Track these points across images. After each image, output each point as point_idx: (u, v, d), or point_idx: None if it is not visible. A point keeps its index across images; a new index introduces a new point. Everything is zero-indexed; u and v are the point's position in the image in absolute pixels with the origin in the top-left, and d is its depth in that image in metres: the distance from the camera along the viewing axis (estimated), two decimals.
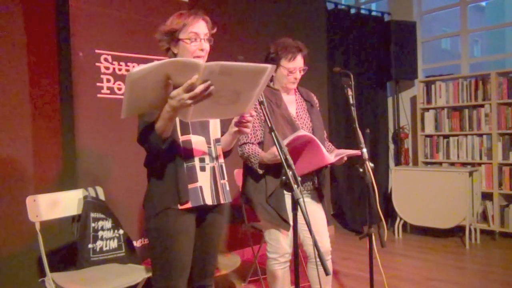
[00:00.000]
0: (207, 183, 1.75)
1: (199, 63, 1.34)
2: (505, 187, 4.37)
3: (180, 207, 1.69)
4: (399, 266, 3.69)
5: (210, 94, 1.40)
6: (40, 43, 2.79)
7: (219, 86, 1.41)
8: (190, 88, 1.37)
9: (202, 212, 1.78)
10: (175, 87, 1.40)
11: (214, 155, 1.79)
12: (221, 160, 1.84)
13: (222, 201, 1.80)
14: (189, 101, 1.39)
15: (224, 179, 1.84)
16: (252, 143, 2.26)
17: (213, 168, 1.78)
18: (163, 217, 1.70)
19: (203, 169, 1.74)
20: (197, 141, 1.74)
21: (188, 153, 1.71)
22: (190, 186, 1.70)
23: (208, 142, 1.78)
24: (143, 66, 1.31)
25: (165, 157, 1.68)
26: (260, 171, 2.20)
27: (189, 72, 1.36)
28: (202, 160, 1.74)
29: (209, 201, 1.74)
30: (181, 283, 1.74)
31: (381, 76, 5.27)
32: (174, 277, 1.72)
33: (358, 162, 2.15)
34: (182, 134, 1.72)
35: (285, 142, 2.00)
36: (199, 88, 1.37)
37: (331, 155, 2.24)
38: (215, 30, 1.81)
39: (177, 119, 1.68)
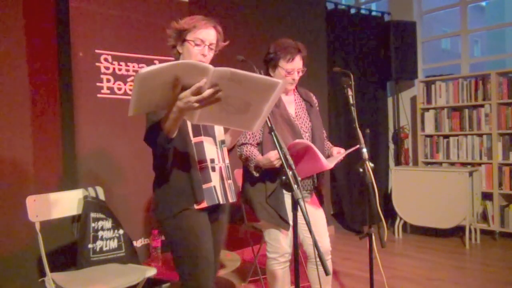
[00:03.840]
0: (217, 183, 1.79)
1: (209, 67, 1.34)
2: (505, 187, 4.37)
3: (196, 207, 1.72)
4: (399, 266, 3.69)
5: (218, 99, 1.40)
6: (40, 43, 2.79)
7: (228, 93, 1.40)
8: (198, 91, 1.37)
9: (211, 211, 1.82)
10: (184, 89, 1.40)
11: (221, 155, 1.84)
12: (227, 161, 1.89)
13: (230, 200, 1.86)
14: (196, 104, 1.39)
15: (230, 179, 1.88)
16: (251, 144, 2.26)
17: (221, 169, 1.82)
18: (182, 217, 1.72)
19: (213, 169, 1.79)
20: (208, 142, 1.79)
21: (201, 154, 1.75)
22: (204, 186, 1.74)
23: (215, 143, 1.83)
24: (152, 67, 1.30)
25: (178, 159, 1.71)
26: (256, 174, 2.20)
27: (198, 75, 1.35)
28: (212, 161, 1.79)
29: (221, 200, 1.79)
30: (211, 278, 1.78)
31: (381, 76, 5.27)
32: (205, 274, 1.74)
33: (358, 162, 2.15)
34: (194, 136, 1.75)
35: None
36: (207, 92, 1.37)
37: (330, 159, 2.23)
38: (226, 43, 1.84)
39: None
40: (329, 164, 2.13)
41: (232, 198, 1.87)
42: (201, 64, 1.36)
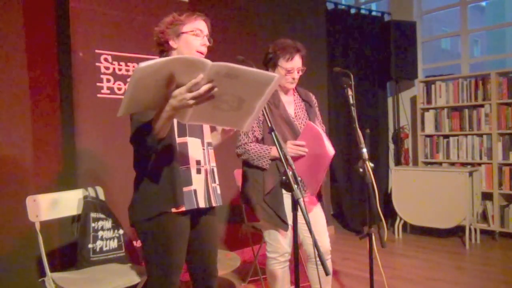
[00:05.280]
0: (201, 186, 1.74)
1: (207, 62, 1.30)
2: (505, 187, 4.37)
3: (174, 210, 1.67)
4: (399, 266, 3.69)
5: (212, 96, 1.36)
6: (40, 43, 2.79)
7: (223, 90, 1.36)
8: (194, 88, 1.33)
9: (195, 215, 1.78)
10: (177, 86, 1.35)
11: (207, 158, 1.79)
12: (213, 163, 1.83)
13: (214, 204, 1.80)
14: (191, 102, 1.34)
15: (215, 182, 1.83)
16: (253, 142, 2.27)
17: (206, 171, 1.77)
18: (157, 221, 1.67)
19: (199, 171, 1.73)
20: (193, 144, 1.73)
21: (184, 156, 1.69)
22: (185, 189, 1.68)
23: (203, 145, 1.78)
24: (151, 62, 1.25)
25: (160, 159, 1.65)
26: (267, 166, 2.22)
27: (195, 70, 1.32)
28: (198, 163, 1.73)
29: (202, 204, 1.73)
30: (176, 280, 1.75)
31: (381, 76, 5.27)
32: (170, 275, 1.72)
33: (358, 162, 2.15)
34: (178, 136, 1.69)
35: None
36: (203, 89, 1.32)
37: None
38: (211, 42, 1.78)
39: (175, 121, 1.65)
40: (331, 149, 2.12)
41: (216, 202, 1.81)
42: (199, 59, 1.32)
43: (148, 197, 1.68)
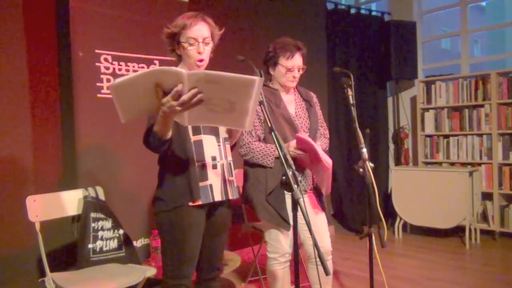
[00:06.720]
0: (217, 180, 1.82)
1: (181, 72, 1.38)
2: (505, 187, 4.37)
3: (191, 204, 1.76)
4: (399, 266, 3.69)
5: (201, 101, 1.43)
6: (40, 43, 2.79)
7: (209, 94, 1.43)
8: (178, 96, 1.42)
9: (211, 207, 1.86)
10: (167, 93, 1.43)
11: (223, 153, 1.86)
12: (230, 158, 1.91)
13: (230, 197, 1.89)
14: (179, 108, 1.44)
15: (232, 176, 1.92)
16: (256, 141, 2.27)
17: (223, 166, 1.85)
18: (175, 213, 1.78)
19: (215, 167, 1.82)
20: (208, 141, 1.82)
21: (199, 153, 1.79)
22: (201, 184, 1.78)
23: (218, 141, 1.85)
24: (124, 77, 1.35)
25: (177, 157, 1.76)
26: (272, 164, 2.23)
27: (174, 80, 1.39)
28: (213, 159, 1.82)
29: (218, 197, 1.82)
30: (190, 271, 1.84)
31: (381, 76, 5.27)
32: (184, 266, 1.81)
33: (358, 162, 2.16)
34: (193, 135, 1.79)
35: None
36: (186, 96, 1.41)
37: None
38: (222, 31, 1.85)
39: None
40: (328, 161, 2.13)
41: (233, 195, 1.90)
42: (173, 70, 1.39)
43: (167, 191, 1.80)
